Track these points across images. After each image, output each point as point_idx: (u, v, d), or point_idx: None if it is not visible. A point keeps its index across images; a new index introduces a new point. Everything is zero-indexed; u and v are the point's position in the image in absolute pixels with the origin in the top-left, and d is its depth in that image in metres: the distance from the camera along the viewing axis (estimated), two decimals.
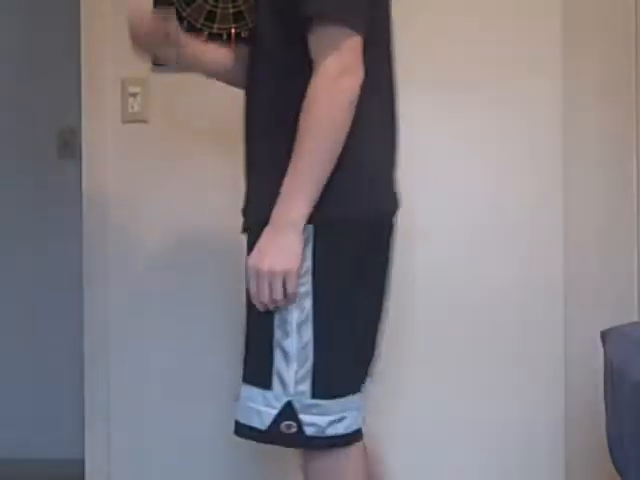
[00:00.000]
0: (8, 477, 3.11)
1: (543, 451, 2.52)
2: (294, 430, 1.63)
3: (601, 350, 1.85)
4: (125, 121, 2.58)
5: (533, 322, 2.52)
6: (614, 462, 1.75)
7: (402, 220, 2.52)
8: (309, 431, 1.63)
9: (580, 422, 2.46)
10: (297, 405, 1.62)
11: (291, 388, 1.62)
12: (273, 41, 1.67)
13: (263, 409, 1.63)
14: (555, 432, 2.50)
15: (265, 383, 1.63)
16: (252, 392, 1.65)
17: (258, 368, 1.65)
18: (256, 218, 1.65)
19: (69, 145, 3.43)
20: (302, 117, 1.56)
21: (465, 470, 2.53)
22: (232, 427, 1.65)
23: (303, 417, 1.63)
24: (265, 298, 1.59)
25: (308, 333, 1.63)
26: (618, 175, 2.51)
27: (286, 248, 1.58)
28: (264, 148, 1.69)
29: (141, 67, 2.54)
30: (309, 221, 1.59)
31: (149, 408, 2.54)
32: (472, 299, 2.52)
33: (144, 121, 2.58)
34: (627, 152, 2.51)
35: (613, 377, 1.72)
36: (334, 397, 1.64)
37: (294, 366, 1.62)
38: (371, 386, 2.53)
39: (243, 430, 1.66)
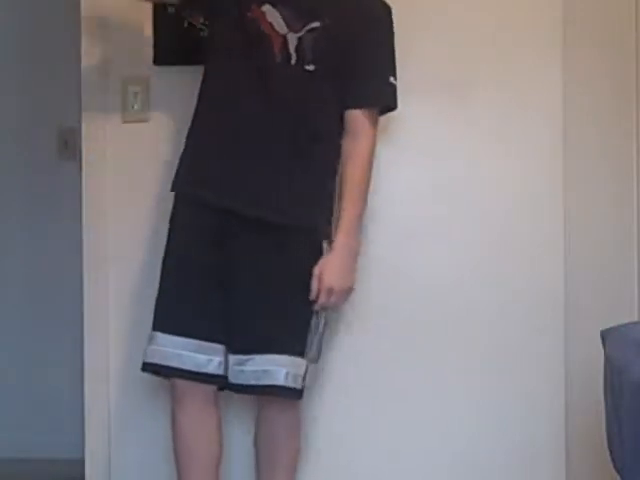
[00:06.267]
0: (8, 477, 3.11)
1: (543, 451, 2.51)
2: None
3: (601, 350, 1.85)
4: (125, 121, 2.58)
5: (533, 322, 2.51)
6: (614, 462, 1.75)
7: (402, 220, 2.53)
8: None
9: (580, 422, 2.46)
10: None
11: None
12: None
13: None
14: (555, 432, 2.50)
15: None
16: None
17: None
18: (322, 219, 2.17)
19: (69, 145, 3.43)
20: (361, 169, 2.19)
21: (466, 470, 2.53)
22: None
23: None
24: (331, 306, 2.17)
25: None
26: (619, 175, 2.51)
27: (353, 271, 2.20)
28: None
29: (141, 66, 2.55)
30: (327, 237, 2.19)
31: (149, 408, 2.54)
32: (472, 299, 2.52)
33: (144, 121, 2.58)
34: (627, 152, 2.50)
35: (613, 377, 1.73)
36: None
37: None
38: (372, 387, 2.54)
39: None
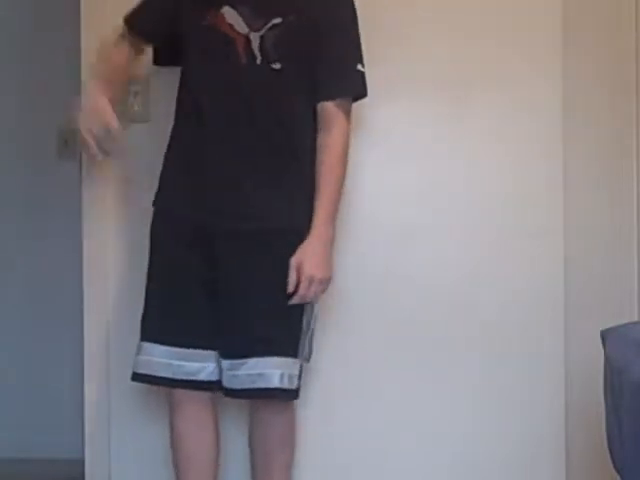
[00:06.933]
0: (8, 477, 3.11)
1: (543, 451, 2.51)
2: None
3: (601, 350, 1.85)
4: (126, 121, 2.58)
5: (533, 322, 2.51)
6: (614, 462, 1.75)
7: (402, 220, 2.54)
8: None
9: (580, 422, 2.46)
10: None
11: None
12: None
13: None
14: (555, 432, 2.50)
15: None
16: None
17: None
18: (305, 218, 2.10)
19: (69, 145, 3.43)
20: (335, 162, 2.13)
21: (465, 470, 2.53)
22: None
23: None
24: (310, 298, 2.10)
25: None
26: (618, 175, 2.51)
27: (331, 261, 2.14)
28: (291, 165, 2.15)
29: (141, 66, 2.54)
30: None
31: (149, 407, 2.54)
32: (471, 299, 2.52)
33: (145, 120, 2.58)
34: (627, 152, 2.50)
35: (613, 377, 1.72)
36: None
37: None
38: (373, 387, 2.54)
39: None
